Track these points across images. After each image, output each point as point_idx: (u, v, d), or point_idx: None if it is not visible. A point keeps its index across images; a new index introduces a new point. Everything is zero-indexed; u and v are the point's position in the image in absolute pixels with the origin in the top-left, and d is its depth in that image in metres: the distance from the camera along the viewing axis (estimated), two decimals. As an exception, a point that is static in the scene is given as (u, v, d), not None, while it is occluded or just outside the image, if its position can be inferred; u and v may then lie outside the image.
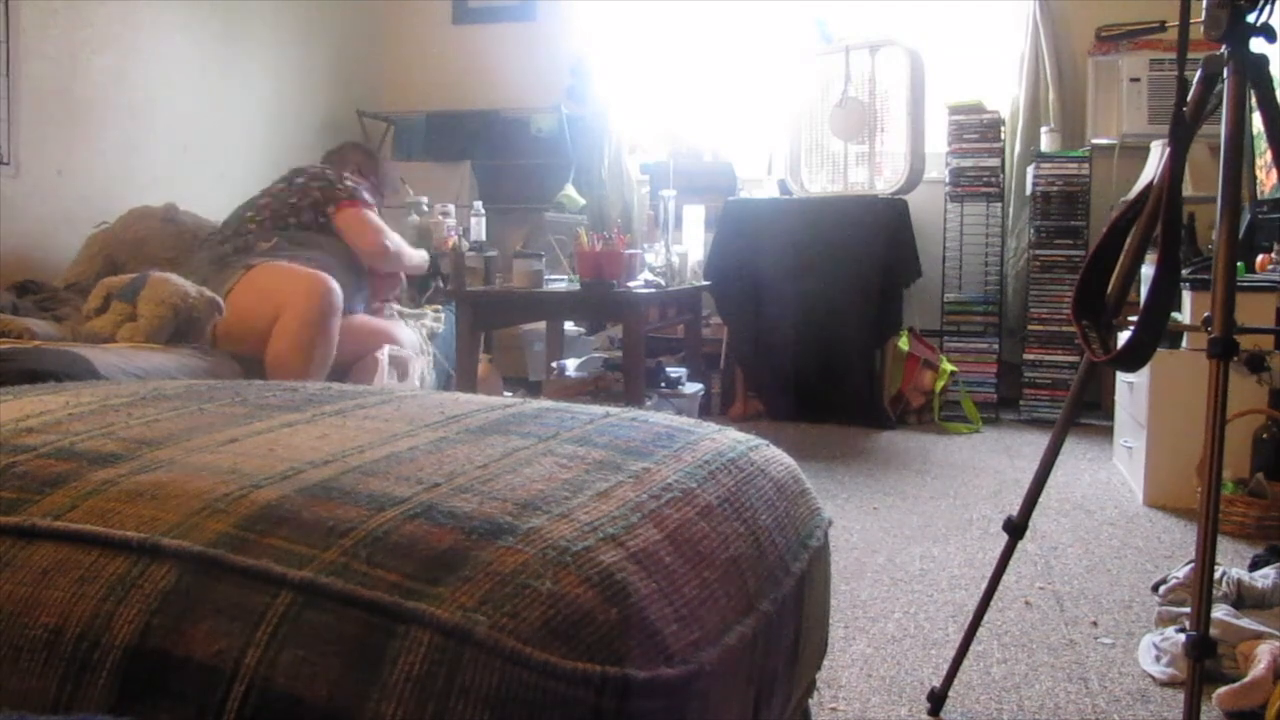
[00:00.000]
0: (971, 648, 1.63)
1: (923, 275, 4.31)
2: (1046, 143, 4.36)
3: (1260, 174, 3.11)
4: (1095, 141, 4.35)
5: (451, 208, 4.52)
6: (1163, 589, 2.02)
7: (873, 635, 1.88)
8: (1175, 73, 1.33)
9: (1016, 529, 1.55)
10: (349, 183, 3.32)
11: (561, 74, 5.08)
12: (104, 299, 2.70)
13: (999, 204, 4.39)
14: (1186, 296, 2.86)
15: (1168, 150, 1.34)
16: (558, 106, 4.96)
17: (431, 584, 0.64)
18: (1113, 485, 3.10)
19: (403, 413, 0.99)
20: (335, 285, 2.89)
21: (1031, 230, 4.24)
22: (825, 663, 1.26)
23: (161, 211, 3.45)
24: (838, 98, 4.32)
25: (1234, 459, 2.66)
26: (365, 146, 3.81)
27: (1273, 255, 3.02)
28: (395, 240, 3.41)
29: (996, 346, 4.35)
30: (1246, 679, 1.55)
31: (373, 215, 3.32)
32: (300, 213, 3.20)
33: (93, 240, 3.40)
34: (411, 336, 3.49)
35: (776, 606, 0.83)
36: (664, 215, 3.94)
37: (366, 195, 3.34)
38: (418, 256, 3.65)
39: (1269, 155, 1.76)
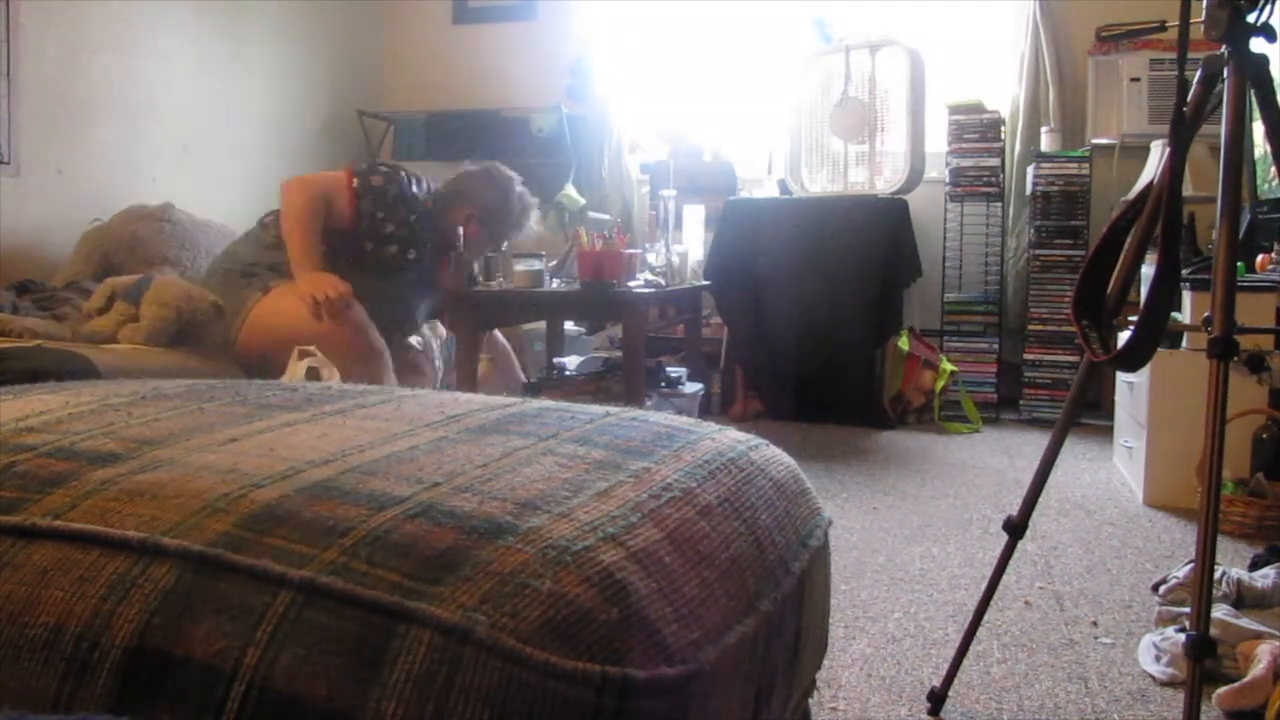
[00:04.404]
0: (971, 648, 1.63)
1: (923, 275, 4.31)
2: (1046, 143, 4.36)
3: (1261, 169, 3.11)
4: (1095, 141, 4.34)
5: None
6: (1163, 589, 2.02)
7: (873, 635, 1.88)
8: (1175, 73, 1.33)
9: (1016, 529, 1.55)
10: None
11: (561, 74, 5.08)
12: (107, 299, 2.70)
13: (999, 204, 4.39)
14: (1186, 296, 2.86)
15: (1168, 150, 1.34)
16: (558, 106, 4.96)
17: (431, 584, 0.64)
18: (1113, 485, 3.10)
19: (403, 412, 0.99)
20: (379, 345, 2.71)
21: (1031, 230, 4.24)
22: (825, 663, 1.26)
23: (158, 211, 3.45)
24: (838, 97, 4.32)
25: (1234, 459, 2.66)
26: (493, 174, 2.73)
27: (1273, 255, 3.02)
28: (295, 221, 2.75)
29: (996, 346, 4.35)
30: (1246, 679, 1.55)
31: (306, 190, 2.79)
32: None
33: (87, 238, 3.39)
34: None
35: (777, 606, 0.83)
36: (664, 215, 3.94)
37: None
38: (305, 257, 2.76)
39: (1270, 157, 1.76)
